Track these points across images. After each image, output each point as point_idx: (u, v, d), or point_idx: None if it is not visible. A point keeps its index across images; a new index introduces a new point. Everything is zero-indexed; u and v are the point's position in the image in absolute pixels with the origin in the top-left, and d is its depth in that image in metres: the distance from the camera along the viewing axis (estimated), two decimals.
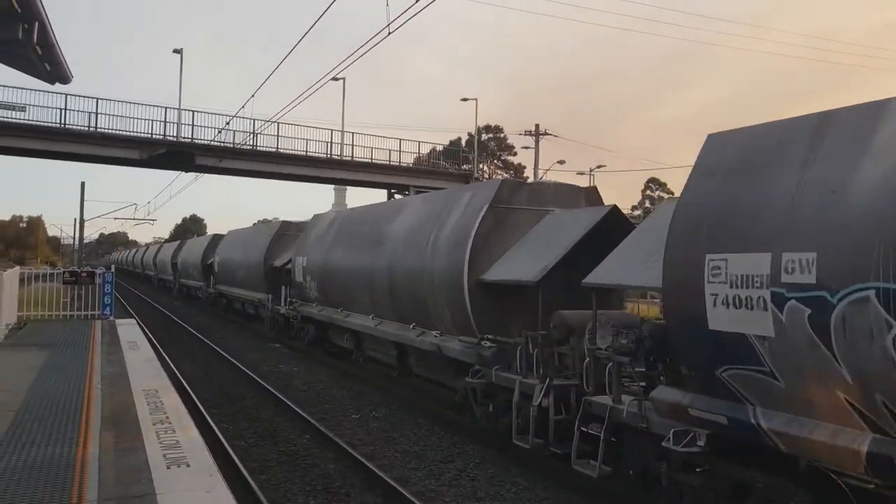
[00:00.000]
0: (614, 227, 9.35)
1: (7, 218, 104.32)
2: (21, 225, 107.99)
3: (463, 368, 10.66)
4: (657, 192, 73.40)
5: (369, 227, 14.70)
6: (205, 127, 33.17)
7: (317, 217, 19.11)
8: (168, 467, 5.46)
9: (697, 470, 6.59)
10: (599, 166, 51.77)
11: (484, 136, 62.71)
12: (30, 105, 29.43)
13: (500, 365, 9.77)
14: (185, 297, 41.31)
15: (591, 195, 11.66)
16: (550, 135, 40.91)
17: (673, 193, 62.76)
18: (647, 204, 66.70)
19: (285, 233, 23.33)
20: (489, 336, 10.01)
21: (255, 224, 40.41)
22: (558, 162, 42.72)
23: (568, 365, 9.00)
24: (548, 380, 8.68)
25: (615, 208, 10.08)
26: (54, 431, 6.52)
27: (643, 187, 76.93)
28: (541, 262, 9.27)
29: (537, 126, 40.26)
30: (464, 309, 10.32)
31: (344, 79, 37.41)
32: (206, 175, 36.82)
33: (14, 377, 9.18)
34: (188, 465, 5.52)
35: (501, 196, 10.67)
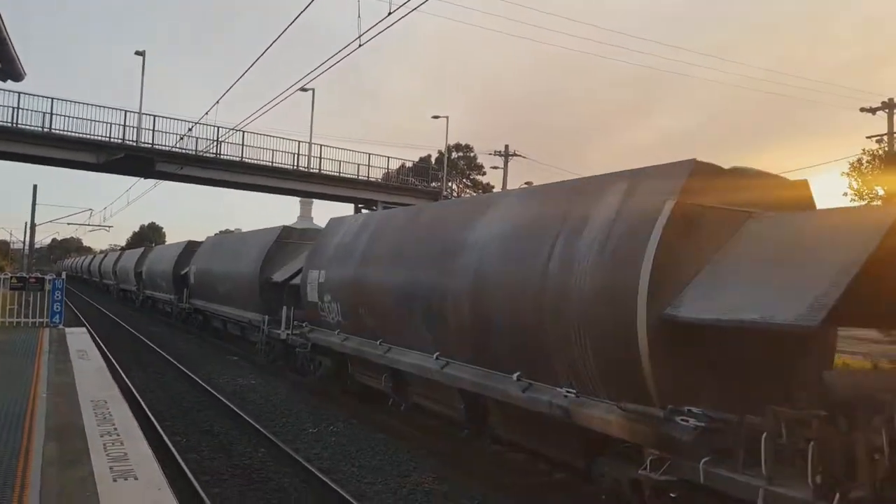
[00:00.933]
0: None
1: None
2: None
3: (598, 443, 7.37)
4: None
5: (433, 233, 10.65)
6: (166, 133, 32.59)
7: (336, 222, 15.12)
8: (114, 480, 5.23)
9: None
10: None
11: (454, 155, 62.94)
12: None
13: (711, 456, 6.02)
14: (151, 310, 36.83)
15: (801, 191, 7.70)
16: (519, 155, 41.27)
17: None
18: None
19: (286, 241, 19.25)
20: (691, 409, 6.07)
21: (218, 232, 39.46)
22: (525, 183, 43.02)
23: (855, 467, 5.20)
24: (836, 495, 5.03)
25: None
26: None
27: None
28: (806, 293, 5.56)
29: (507, 146, 40.61)
30: (634, 360, 6.40)
31: (313, 90, 37.21)
32: (166, 182, 36.13)
33: None
34: (136, 479, 5.30)
35: (693, 186, 6.75)
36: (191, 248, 29.39)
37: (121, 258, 51.30)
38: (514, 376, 8.00)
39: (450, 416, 10.36)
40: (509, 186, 41.32)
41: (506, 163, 40.55)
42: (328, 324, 13.39)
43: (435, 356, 9.57)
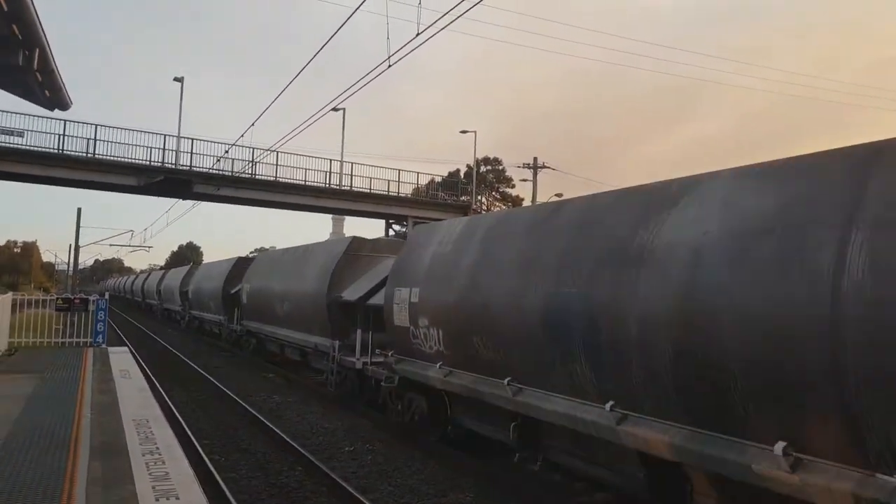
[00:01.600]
0: None
1: (1, 243, 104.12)
2: (15, 250, 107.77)
3: None
4: None
5: (587, 235, 7.94)
6: (203, 155, 33.38)
7: (426, 229, 12.59)
8: (157, 500, 5.33)
9: None
10: None
11: (482, 168, 63.08)
12: (28, 130, 29.58)
13: None
14: (197, 331, 34.81)
15: None
16: (548, 167, 41.19)
17: None
18: None
19: (356, 254, 16.74)
20: None
21: (254, 250, 38.83)
22: (556, 195, 42.87)
23: None
24: None
25: None
26: (41, 462, 6.37)
27: None
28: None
29: (535, 159, 40.57)
30: None
31: (344, 109, 37.74)
32: (203, 203, 36.92)
33: (2, 405, 9.02)
34: (177, 498, 5.39)
35: None
36: (241, 264, 27.47)
37: (165, 277, 48.92)
38: (778, 448, 5.25)
39: (613, 482, 7.92)
40: (539, 199, 41.21)
41: (535, 175, 40.49)
42: (423, 354, 10.88)
43: (607, 406, 6.97)
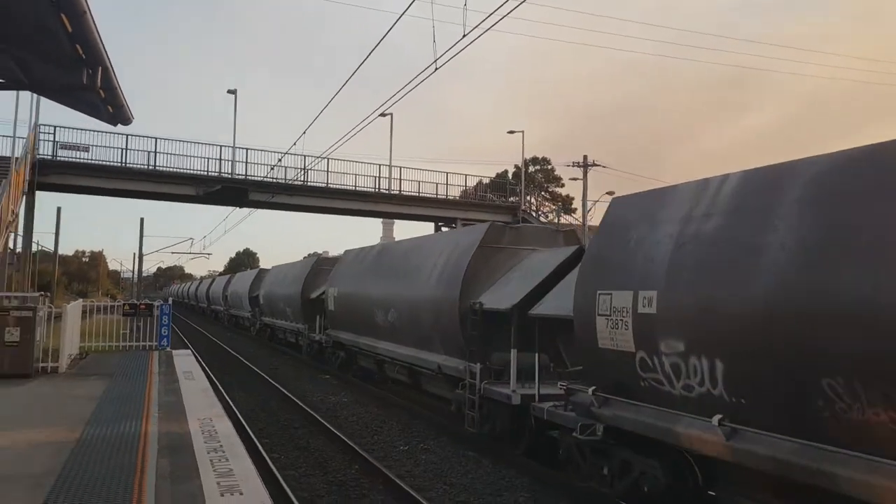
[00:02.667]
0: None
1: (70, 253, 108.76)
2: (83, 259, 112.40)
3: None
4: None
5: None
6: (258, 164, 34.30)
7: (651, 197, 8.21)
8: (222, 495, 5.57)
9: None
10: None
11: (531, 169, 62.83)
12: (93, 145, 31.02)
13: None
14: (270, 339, 32.51)
15: None
16: (599, 166, 40.78)
17: None
18: None
19: (494, 245, 12.86)
20: None
21: (308, 255, 35.81)
22: (607, 193, 42.37)
23: None
24: None
25: None
26: (114, 459, 6.72)
27: None
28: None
29: (585, 157, 40.25)
30: None
31: (391, 114, 38.18)
32: (258, 210, 37.90)
33: (76, 406, 9.52)
34: (241, 494, 5.62)
35: None
36: (321, 265, 25.41)
37: (232, 281, 47.08)
38: None
39: None
40: (590, 198, 40.79)
41: (585, 174, 40.14)
42: (664, 396, 7.08)
43: None
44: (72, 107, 12.96)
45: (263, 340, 33.57)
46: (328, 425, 13.12)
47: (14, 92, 19.43)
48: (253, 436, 11.69)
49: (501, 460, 10.84)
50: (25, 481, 5.87)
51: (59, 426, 8.11)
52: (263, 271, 37.75)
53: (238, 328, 43.06)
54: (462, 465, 10.67)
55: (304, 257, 34.89)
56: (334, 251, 27.67)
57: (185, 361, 14.97)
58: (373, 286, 17.68)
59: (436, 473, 10.23)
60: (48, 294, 21.69)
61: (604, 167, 50.01)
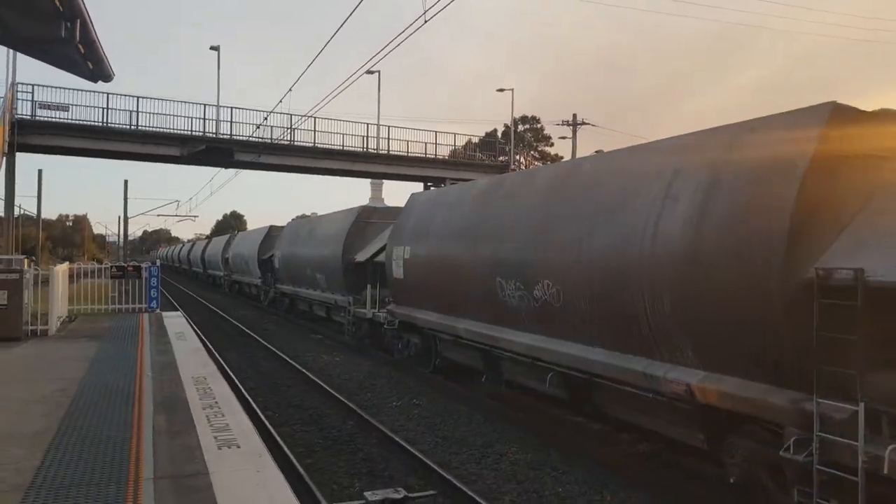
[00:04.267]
0: None
1: (54, 217, 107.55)
2: (67, 223, 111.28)
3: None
4: None
5: None
6: (243, 123, 33.76)
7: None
8: (219, 448, 5.63)
9: None
10: None
11: (520, 127, 62.40)
12: (73, 105, 30.35)
13: None
14: (238, 293, 34.55)
15: None
16: (588, 124, 40.57)
17: None
18: None
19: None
20: None
21: (296, 217, 34.05)
22: (596, 152, 42.29)
23: None
24: None
25: None
26: (109, 416, 6.75)
27: None
28: None
29: (574, 116, 39.97)
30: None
31: (379, 72, 37.61)
32: (244, 171, 37.49)
33: (69, 367, 9.51)
34: (238, 447, 5.68)
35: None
36: (273, 233, 30.02)
37: (233, 243, 40.24)
38: None
39: None
40: (579, 156, 40.70)
41: (574, 132, 39.95)
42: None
43: None
44: (50, 62, 12.59)
45: (234, 295, 36.34)
46: (321, 383, 13.22)
47: None
48: (246, 394, 11.77)
49: (493, 413, 11.01)
50: (24, 440, 5.89)
51: (53, 386, 8.11)
52: (276, 228, 31.58)
53: (215, 286, 43.65)
54: (454, 418, 10.83)
55: (294, 218, 34.35)
56: (322, 212, 26.34)
57: (176, 322, 14.97)
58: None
59: (428, 427, 10.38)
60: (34, 258, 21.49)
61: (593, 126, 49.79)
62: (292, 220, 30.25)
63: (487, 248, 11.00)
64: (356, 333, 18.70)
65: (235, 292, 38.26)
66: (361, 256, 18.39)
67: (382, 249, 16.16)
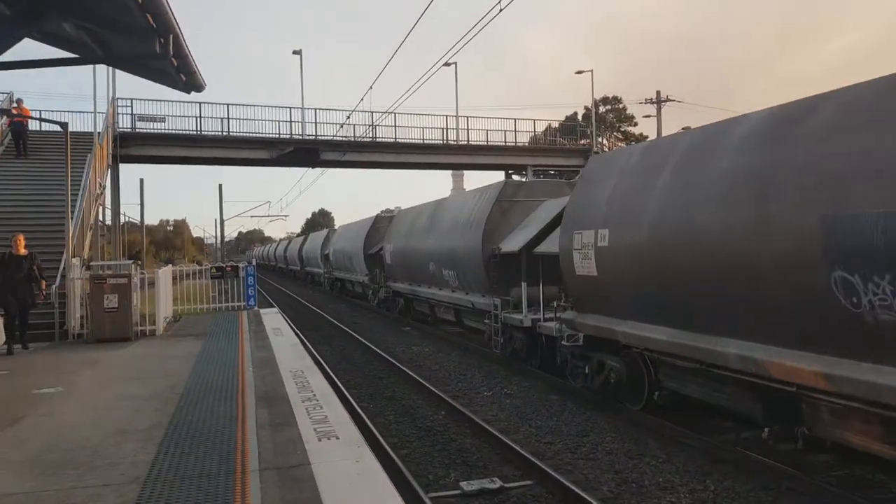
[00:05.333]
0: None
1: (156, 222, 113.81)
2: (168, 228, 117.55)
3: None
4: None
5: None
6: (327, 123, 34.71)
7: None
8: (319, 440, 5.79)
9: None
10: None
11: (601, 109, 61.04)
12: (168, 115, 32.10)
13: None
14: (340, 291, 35.65)
15: None
16: (673, 101, 39.21)
17: None
18: None
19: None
20: None
21: (382, 211, 30.21)
22: (683, 129, 40.80)
23: None
24: None
25: None
26: (215, 410, 7.07)
27: None
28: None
29: (658, 93, 38.74)
30: None
31: (455, 63, 37.64)
32: (330, 169, 38.50)
33: (176, 365, 10.04)
34: (337, 438, 5.82)
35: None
36: (378, 224, 27.69)
37: (306, 242, 48.65)
38: None
39: None
40: (664, 134, 39.40)
41: (658, 110, 38.71)
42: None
43: None
44: (146, 77, 13.28)
45: (336, 294, 36.71)
46: (413, 374, 13.40)
47: (91, 67, 20.14)
48: (342, 387, 12.07)
49: (587, 403, 10.84)
50: (138, 434, 6.26)
51: (162, 383, 8.59)
52: (383, 219, 33.23)
53: (313, 284, 46.32)
54: (546, 408, 10.72)
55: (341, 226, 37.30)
56: (408, 206, 26.36)
57: (273, 319, 15.54)
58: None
59: (520, 416, 10.33)
60: (139, 262, 22.82)
61: (678, 102, 48.10)
62: (401, 210, 25.95)
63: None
64: (507, 346, 14.12)
65: (338, 290, 36.64)
66: (510, 246, 14.02)
67: (541, 235, 12.99)
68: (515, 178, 40.05)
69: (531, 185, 17.54)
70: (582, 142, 40.90)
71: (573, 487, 6.98)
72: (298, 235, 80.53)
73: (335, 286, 37.47)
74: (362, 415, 10.11)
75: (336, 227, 41.55)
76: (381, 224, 27.28)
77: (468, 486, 7.29)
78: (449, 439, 9.32)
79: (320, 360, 14.45)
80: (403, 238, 21.94)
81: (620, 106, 63.53)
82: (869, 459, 6.83)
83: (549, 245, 12.21)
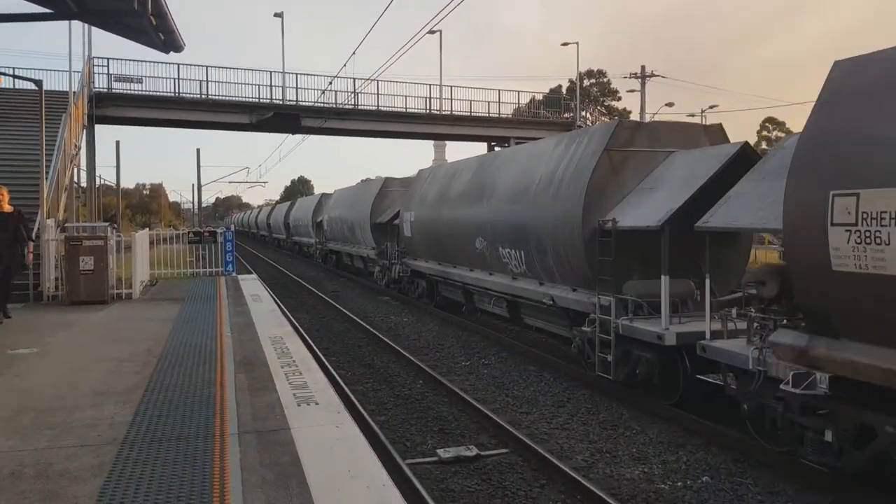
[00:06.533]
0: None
1: (132, 186, 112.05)
2: (144, 192, 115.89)
3: None
4: (774, 132, 69.08)
5: None
6: (308, 89, 34.17)
7: None
8: (298, 405, 5.80)
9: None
10: (711, 106, 49.19)
11: (586, 82, 60.83)
12: (146, 76, 31.38)
13: None
14: (335, 265, 31.77)
15: None
16: (657, 76, 39.20)
17: (791, 132, 58.71)
18: (764, 145, 62.82)
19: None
20: None
21: (362, 180, 29.83)
22: (667, 105, 40.84)
23: None
24: None
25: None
26: (194, 374, 7.04)
27: (759, 128, 72.92)
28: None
29: (643, 67, 38.65)
30: None
31: (440, 31, 37.17)
32: (311, 136, 38.03)
33: (153, 328, 9.96)
34: (317, 403, 5.84)
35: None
36: (388, 187, 23.38)
37: (293, 209, 45.27)
38: None
39: None
40: (648, 110, 39.42)
41: (643, 85, 38.66)
42: None
43: None
44: (123, 35, 12.95)
45: (331, 269, 32.53)
46: (391, 343, 13.45)
47: (66, 24, 19.58)
48: (321, 354, 12.09)
49: (563, 373, 10.97)
50: (115, 396, 6.22)
51: (140, 346, 8.52)
52: (326, 196, 33.98)
53: (301, 255, 42.79)
54: (524, 378, 10.85)
55: (360, 181, 31.33)
56: (386, 175, 25.14)
57: (252, 285, 15.44)
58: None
59: (498, 386, 10.44)
60: (115, 225, 22.48)
61: (663, 77, 48.10)
62: (425, 169, 20.51)
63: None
64: (620, 369, 9.55)
65: (332, 264, 32.51)
66: (637, 218, 9.26)
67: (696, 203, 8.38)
68: (498, 149, 39.91)
69: (655, 129, 10.81)
70: (566, 115, 40.80)
71: (548, 456, 7.09)
72: (278, 202, 79.64)
73: (329, 259, 33.46)
74: (340, 382, 10.15)
75: (331, 191, 34.20)
76: (391, 188, 23.48)
77: (445, 453, 7.37)
78: (426, 407, 9.40)
79: (298, 326, 14.44)
80: (431, 206, 17.10)
81: (605, 80, 63.39)
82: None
83: (731, 216, 7.42)
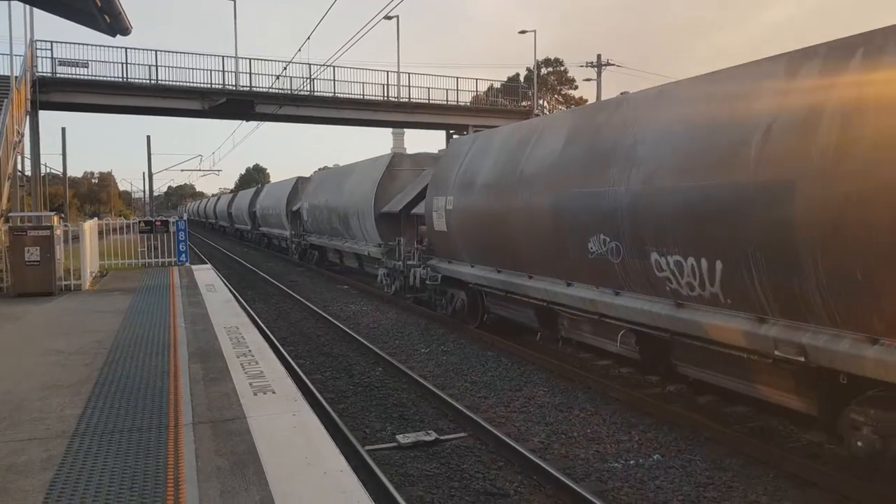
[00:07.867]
0: None
1: (80, 175, 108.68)
2: (93, 181, 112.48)
3: None
4: None
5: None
6: (262, 74, 33.56)
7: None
8: (255, 394, 5.75)
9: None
10: None
11: (543, 71, 61.13)
12: (92, 61, 30.34)
13: None
14: (267, 246, 36.63)
15: None
16: (613, 65, 39.63)
17: None
18: None
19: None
20: None
21: (319, 169, 30.35)
22: (622, 93, 41.36)
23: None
24: None
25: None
26: (146, 365, 6.92)
27: None
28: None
29: (599, 56, 39.03)
30: None
31: (398, 17, 36.91)
32: (265, 123, 37.39)
33: (103, 320, 9.74)
34: (273, 392, 5.81)
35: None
36: (300, 184, 29.62)
37: (235, 199, 49.74)
38: None
39: None
40: (604, 98, 39.90)
41: (599, 73, 39.07)
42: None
43: None
44: (67, 17, 12.55)
45: (263, 249, 35.85)
46: (350, 331, 13.41)
47: (6, 5, 18.83)
48: (277, 343, 11.98)
49: (520, 358, 11.11)
50: (65, 388, 6.08)
51: (89, 338, 8.32)
52: (258, 190, 36.44)
53: (242, 240, 43.97)
54: (482, 363, 10.95)
55: (316, 171, 31.30)
56: (345, 163, 24.74)
57: (206, 275, 15.19)
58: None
59: (456, 372, 10.51)
60: (63, 215, 21.81)
61: (618, 66, 48.72)
62: (458, 138, 18.95)
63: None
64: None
65: (265, 246, 33.56)
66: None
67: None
68: (456, 137, 39.92)
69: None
70: (523, 103, 41.00)
71: (505, 438, 7.19)
72: (232, 191, 78.55)
73: (262, 242, 39.16)
74: (298, 371, 10.09)
75: (263, 185, 41.60)
76: (302, 184, 29.96)
77: (404, 438, 7.41)
78: (386, 395, 9.42)
79: (255, 317, 14.28)
80: (484, 189, 14.60)
81: (562, 69, 63.79)
82: (782, 412, 7.27)
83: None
